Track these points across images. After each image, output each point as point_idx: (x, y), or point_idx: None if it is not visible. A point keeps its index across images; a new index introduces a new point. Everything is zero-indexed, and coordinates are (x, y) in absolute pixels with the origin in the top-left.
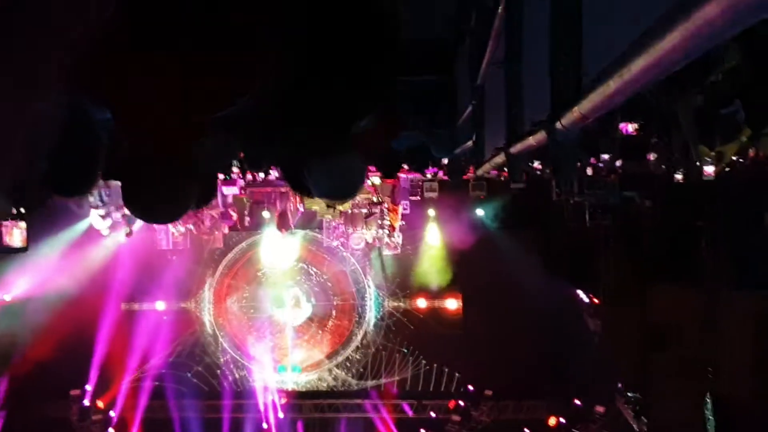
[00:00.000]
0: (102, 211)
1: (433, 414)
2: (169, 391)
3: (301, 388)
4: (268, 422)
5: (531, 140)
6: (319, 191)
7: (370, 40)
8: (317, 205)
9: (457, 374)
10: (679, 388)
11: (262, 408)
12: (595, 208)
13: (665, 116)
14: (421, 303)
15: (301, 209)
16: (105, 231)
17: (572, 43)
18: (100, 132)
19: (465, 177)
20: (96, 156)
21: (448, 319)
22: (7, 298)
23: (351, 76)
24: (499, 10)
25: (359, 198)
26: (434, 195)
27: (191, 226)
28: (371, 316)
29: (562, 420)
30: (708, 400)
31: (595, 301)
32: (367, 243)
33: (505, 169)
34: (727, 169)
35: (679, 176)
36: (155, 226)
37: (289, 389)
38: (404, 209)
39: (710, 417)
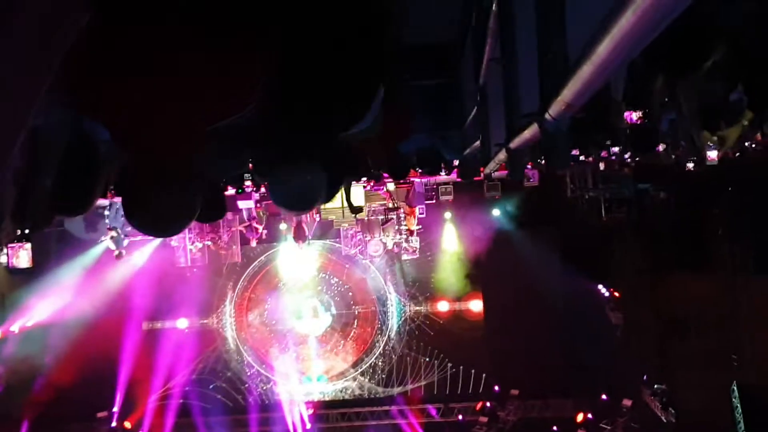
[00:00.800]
0: (114, 233)
1: (460, 417)
2: (195, 408)
3: (327, 397)
4: None
5: (526, 134)
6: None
7: (367, 49)
8: (333, 214)
9: (483, 375)
10: (705, 378)
11: (289, 420)
12: (610, 202)
13: (667, 104)
14: (443, 306)
15: (317, 219)
16: (116, 252)
17: (556, 32)
18: (103, 150)
19: (477, 178)
20: (95, 174)
21: (470, 320)
22: (29, 324)
23: (343, 86)
24: (493, 8)
25: (375, 205)
26: (449, 198)
27: (209, 242)
28: (394, 322)
29: (589, 416)
30: (734, 389)
31: (616, 294)
32: (385, 249)
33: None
34: (737, 154)
35: (690, 165)
36: (173, 242)
37: (315, 400)
38: (420, 213)
39: (737, 405)
